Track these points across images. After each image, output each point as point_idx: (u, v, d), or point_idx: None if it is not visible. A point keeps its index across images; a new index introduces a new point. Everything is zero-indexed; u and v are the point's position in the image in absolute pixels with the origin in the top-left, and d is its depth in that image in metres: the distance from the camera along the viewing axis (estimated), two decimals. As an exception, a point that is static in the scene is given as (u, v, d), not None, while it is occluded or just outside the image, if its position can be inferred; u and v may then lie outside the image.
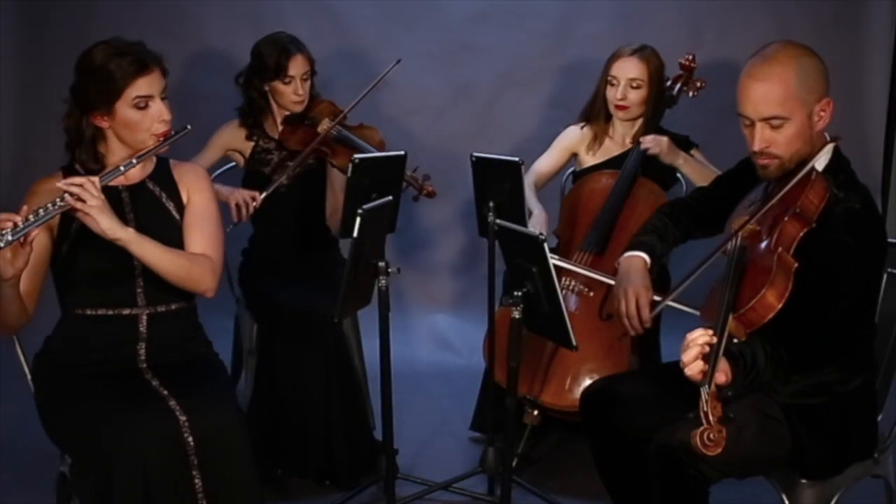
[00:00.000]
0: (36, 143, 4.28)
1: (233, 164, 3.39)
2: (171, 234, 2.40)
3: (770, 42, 2.23)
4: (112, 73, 2.29)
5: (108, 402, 2.26)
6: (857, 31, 3.99)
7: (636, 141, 3.27)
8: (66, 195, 2.15)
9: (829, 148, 2.22)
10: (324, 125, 3.24)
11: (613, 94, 3.26)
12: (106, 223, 2.18)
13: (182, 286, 2.38)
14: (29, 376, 2.45)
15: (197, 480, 2.23)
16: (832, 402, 2.22)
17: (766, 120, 2.15)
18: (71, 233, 2.34)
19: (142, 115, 2.33)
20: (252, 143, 3.31)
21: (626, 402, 2.36)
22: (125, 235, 2.22)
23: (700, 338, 1.94)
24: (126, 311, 2.40)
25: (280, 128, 3.30)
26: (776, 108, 2.14)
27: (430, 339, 4.33)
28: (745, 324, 2.04)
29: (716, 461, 2.11)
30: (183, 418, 2.22)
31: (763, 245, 2.14)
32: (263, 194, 3.14)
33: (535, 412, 3.02)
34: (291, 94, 3.24)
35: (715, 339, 1.94)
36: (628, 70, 3.23)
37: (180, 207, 2.46)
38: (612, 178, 3.24)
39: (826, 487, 2.25)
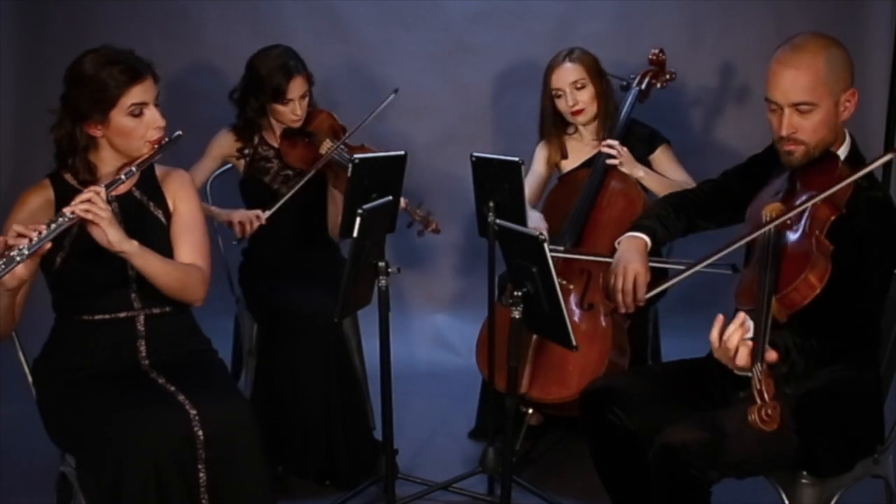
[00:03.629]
0: (36, 143, 4.24)
1: (228, 165, 3.37)
2: (161, 242, 2.41)
3: (798, 33, 2.26)
4: (105, 82, 2.30)
5: (115, 400, 2.27)
6: (857, 31, 3.99)
7: (604, 136, 3.27)
8: (77, 207, 2.15)
9: (848, 140, 2.27)
10: (325, 146, 3.23)
11: (565, 105, 3.26)
12: (114, 235, 2.20)
13: (175, 297, 2.41)
14: (30, 379, 2.45)
15: (202, 475, 2.24)
16: (841, 399, 2.22)
17: (794, 106, 2.19)
18: (65, 245, 2.34)
19: (137, 123, 2.34)
20: (247, 156, 3.29)
21: (626, 402, 2.36)
22: (130, 248, 2.24)
23: (735, 332, 1.94)
24: (123, 315, 2.41)
25: (279, 140, 3.29)
26: (805, 95, 2.18)
27: (430, 339, 4.33)
28: (786, 305, 2.05)
29: (720, 462, 2.11)
30: (193, 412, 2.23)
31: (796, 230, 2.16)
32: (268, 213, 3.12)
33: (530, 410, 3.02)
34: (290, 113, 3.21)
35: (749, 330, 1.94)
36: (567, 76, 3.23)
37: (167, 215, 2.47)
38: (587, 175, 3.25)
39: (826, 487, 2.25)
